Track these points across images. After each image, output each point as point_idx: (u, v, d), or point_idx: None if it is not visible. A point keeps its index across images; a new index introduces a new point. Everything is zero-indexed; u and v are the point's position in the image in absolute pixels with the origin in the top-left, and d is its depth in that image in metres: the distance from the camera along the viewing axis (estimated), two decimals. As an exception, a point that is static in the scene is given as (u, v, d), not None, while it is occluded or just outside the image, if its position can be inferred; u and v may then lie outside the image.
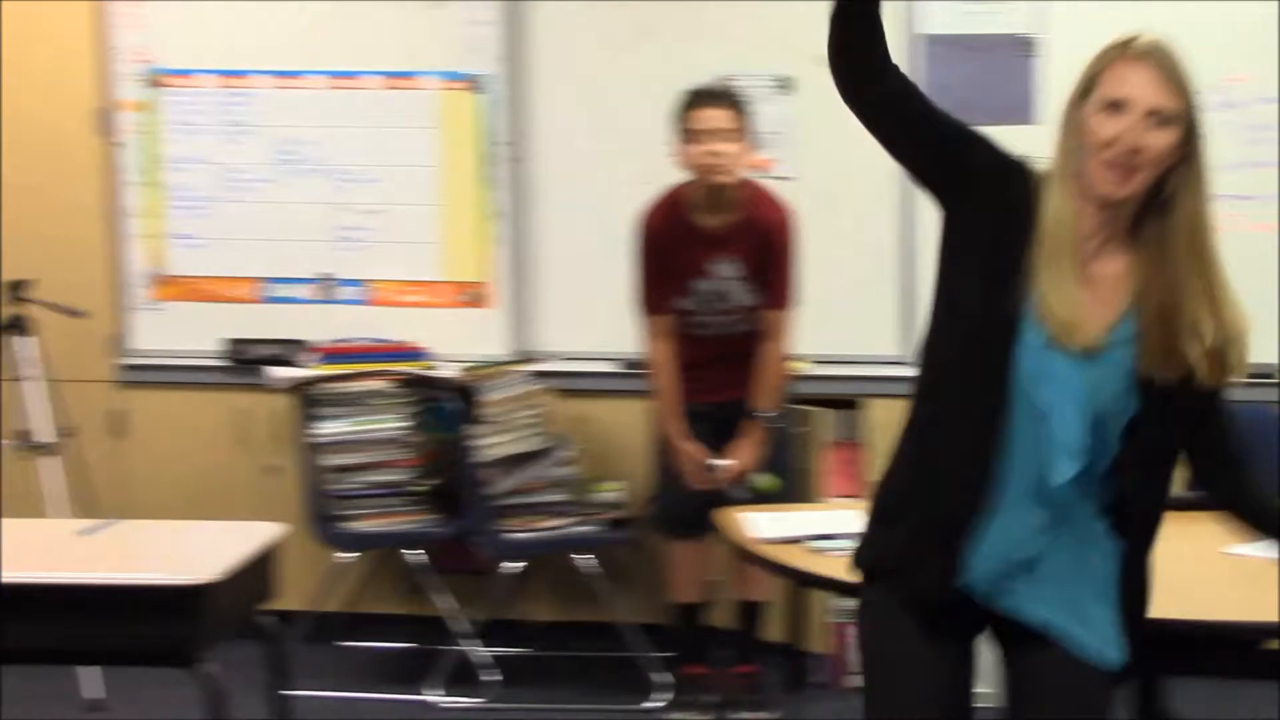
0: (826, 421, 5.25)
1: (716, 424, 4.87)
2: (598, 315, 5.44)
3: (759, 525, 3.65)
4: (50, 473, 4.97)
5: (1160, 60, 2.49)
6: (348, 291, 5.61)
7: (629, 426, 5.30)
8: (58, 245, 5.62)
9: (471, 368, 5.21)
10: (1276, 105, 5.06)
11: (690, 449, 4.79)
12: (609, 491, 5.21)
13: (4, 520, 4.00)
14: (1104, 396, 2.52)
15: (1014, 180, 2.55)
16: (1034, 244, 2.51)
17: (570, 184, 5.50)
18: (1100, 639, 2.59)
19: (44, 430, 4.99)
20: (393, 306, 5.58)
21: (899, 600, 2.64)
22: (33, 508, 4.99)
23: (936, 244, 2.62)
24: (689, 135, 4.63)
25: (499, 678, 5.14)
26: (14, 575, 3.48)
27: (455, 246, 5.54)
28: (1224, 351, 2.51)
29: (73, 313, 5.19)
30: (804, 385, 5.17)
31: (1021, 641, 2.63)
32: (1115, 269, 2.55)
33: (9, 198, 5.66)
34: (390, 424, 5.18)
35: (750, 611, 5.00)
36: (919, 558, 2.60)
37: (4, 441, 5.18)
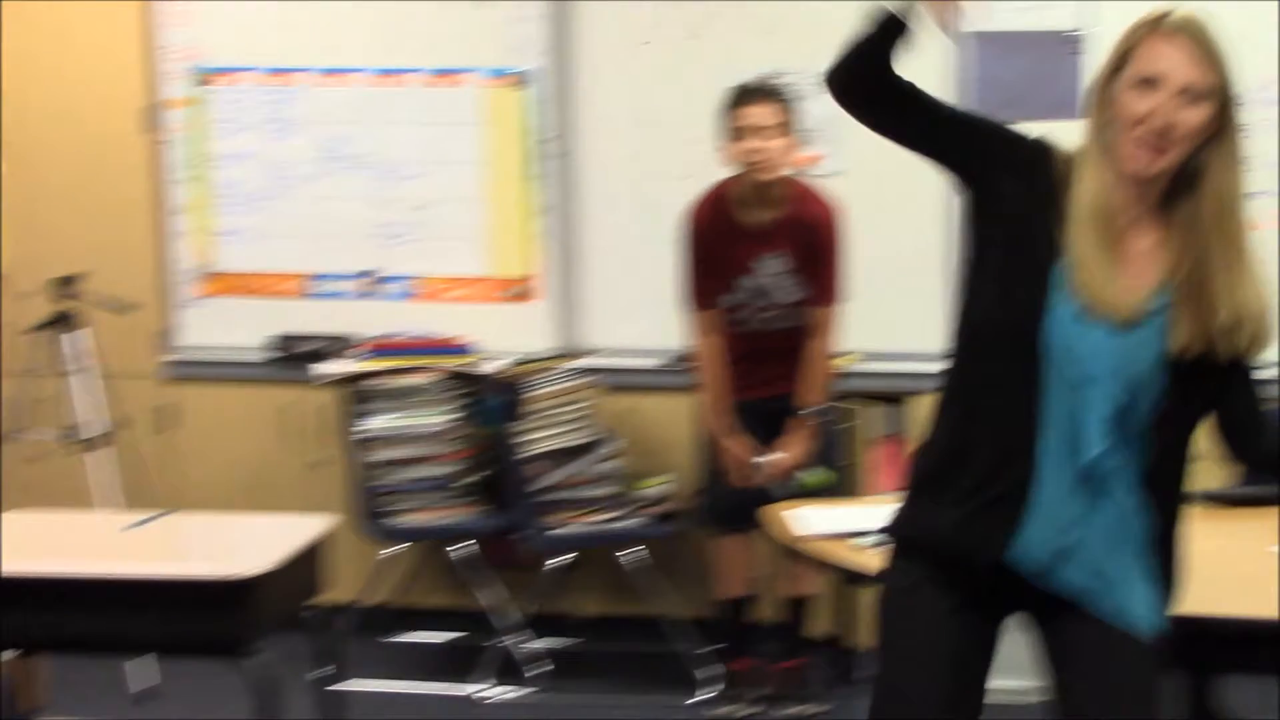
0: (873, 417, 5.24)
1: (762, 419, 4.87)
2: (643, 310, 5.44)
3: (806, 520, 3.64)
4: (100, 466, 5.00)
5: (1194, 35, 2.46)
6: (394, 287, 5.62)
7: (675, 421, 5.30)
8: (106, 241, 5.65)
9: (517, 362, 5.22)
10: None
11: (735, 445, 4.79)
12: (655, 486, 5.21)
13: (55, 514, 4.04)
14: (1137, 369, 2.50)
15: (1035, 158, 2.55)
16: (1063, 219, 2.50)
17: (616, 179, 5.51)
18: (1140, 607, 2.57)
19: (93, 424, 5.03)
20: (439, 301, 5.59)
21: (930, 575, 2.63)
22: (83, 501, 5.03)
23: (961, 221, 2.62)
24: (735, 131, 4.63)
25: (545, 671, 5.15)
26: (66, 567, 3.52)
27: (501, 241, 5.55)
28: (1247, 325, 2.49)
29: (122, 308, 5.23)
30: (851, 380, 5.16)
31: (1060, 615, 2.61)
32: (1148, 243, 2.53)
33: (59, 195, 5.70)
34: (436, 418, 5.19)
35: (797, 606, 5.00)
36: (967, 536, 2.58)
37: (53, 435, 5.23)
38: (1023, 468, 2.54)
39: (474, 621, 5.44)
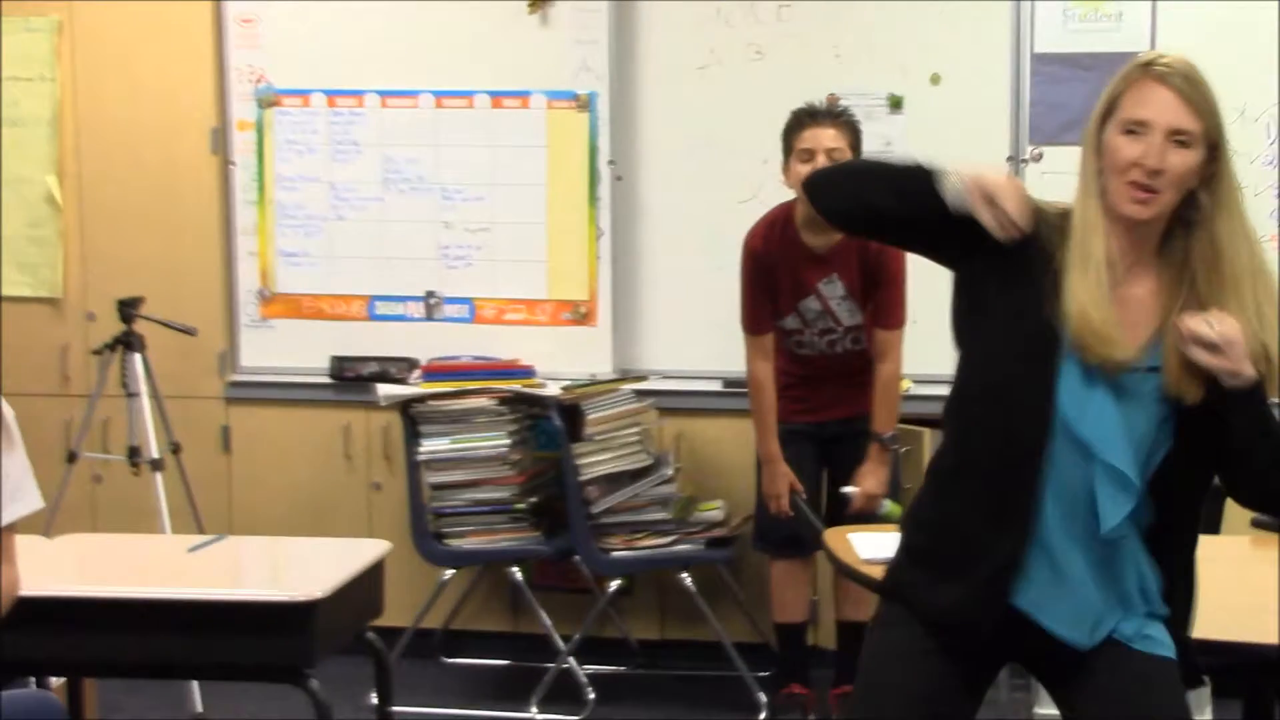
0: (930, 442, 5.21)
1: (819, 444, 4.86)
2: (702, 333, 5.42)
3: (861, 545, 3.63)
4: (160, 488, 5.03)
5: (1182, 81, 2.48)
6: (454, 309, 5.63)
7: (733, 445, 5.29)
8: (171, 263, 5.69)
9: (574, 385, 5.21)
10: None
11: (781, 471, 4.77)
12: (712, 510, 5.19)
13: (116, 535, 4.06)
14: (1142, 428, 2.50)
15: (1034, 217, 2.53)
16: (1059, 268, 2.49)
17: (676, 202, 5.50)
18: (1155, 637, 2.58)
19: (154, 446, 5.06)
20: (499, 324, 5.60)
21: (922, 622, 2.63)
22: (145, 521, 5.06)
23: (952, 296, 2.65)
24: (797, 154, 4.61)
25: (598, 696, 5.14)
26: (124, 590, 3.53)
27: (562, 264, 5.55)
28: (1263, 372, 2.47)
29: (183, 330, 5.26)
30: (906, 405, 5.12)
31: (1069, 667, 2.60)
32: (1144, 291, 2.53)
33: (124, 216, 5.74)
34: (493, 441, 5.19)
35: (852, 631, 4.96)
36: (964, 610, 2.58)
37: (116, 457, 5.27)
38: (1020, 538, 2.53)
39: (529, 645, 5.44)
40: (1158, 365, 2.50)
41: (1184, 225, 2.52)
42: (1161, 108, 2.47)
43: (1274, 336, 2.47)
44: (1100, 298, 2.46)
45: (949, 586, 2.60)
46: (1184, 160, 2.46)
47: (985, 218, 2.48)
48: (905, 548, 2.73)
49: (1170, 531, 2.59)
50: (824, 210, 2.72)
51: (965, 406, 2.63)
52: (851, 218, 2.72)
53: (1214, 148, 2.49)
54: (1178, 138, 2.46)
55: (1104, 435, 2.48)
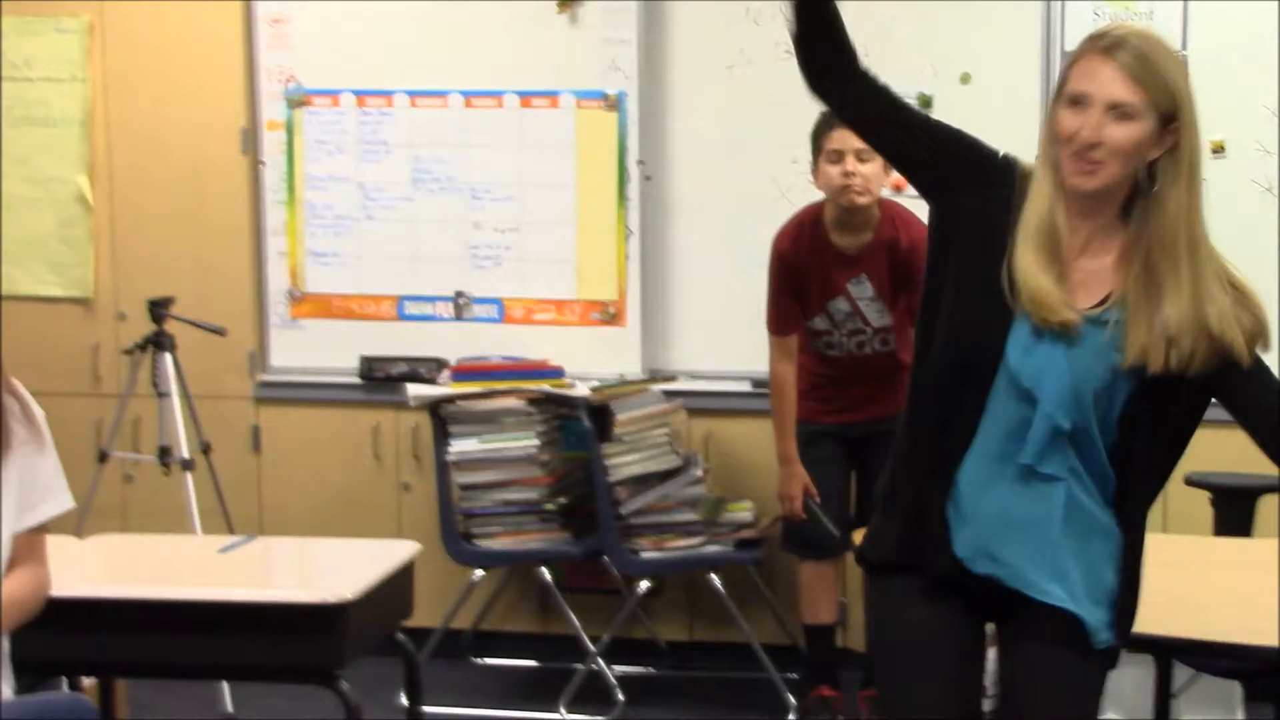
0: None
1: (846, 444, 4.86)
2: (732, 333, 5.41)
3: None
4: (190, 488, 5.04)
5: (1127, 53, 2.50)
6: (482, 309, 5.64)
7: (760, 445, 5.27)
8: (201, 263, 5.71)
9: (603, 386, 5.21)
10: None
11: (796, 472, 4.77)
12: (741, 511, 5.18)
13: (147, 536, 4.08)
14: (1090, 382, 2.54)
15: (996, 175, 2.61)
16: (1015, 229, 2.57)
17: (706, 202, 5.49)
18: (1094, 620, 2.61)
19: (184, 446, 5.07)
20: (528, 324, 5.60)
21: (904, 588, 2.69)
22: (175, 521, 5.07)
23: (928, 234, 2.71)
24: (826, 155, 4.60)
25: (627, 697, 5.13)
26: (154, 591, 3.55)
27: (591, 264, 5.55)
28: (1198, 339, 2.50)
29: (213, 330, 5.27)
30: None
31: (1019, 626, 2.67)
32: (1106, 261, 2.58)
33: (154, 216, 5.76)
34: (523, 442, 5.18)
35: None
36: (910, 550, 2.67)
37: (146, 457, 5.28)
38: (948, 475, 2.61)
39: (558, 646, 5.44)
40: (1106, 320, 2.54)
41: (1144, 197, 2.55)
42: (1102, 81, 2.50)
43: (1219, 310, 2.50)
44: (1037, 263, 2.52)
45: (894, 527, 2.70)
46: (1126, 133, 2.49)
47: None
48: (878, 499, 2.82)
49: (1127, 504, 2.64)
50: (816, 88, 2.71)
51: (925, 354, 2.68)
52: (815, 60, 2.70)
53: (1170, 119, 2.50)
54: (1118, 110, 2.49)
55: (1044, 383, 2.54)
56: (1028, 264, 2.52)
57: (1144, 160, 2.52)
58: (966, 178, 2.62)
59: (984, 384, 2.58)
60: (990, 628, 2.77)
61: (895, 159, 2.73)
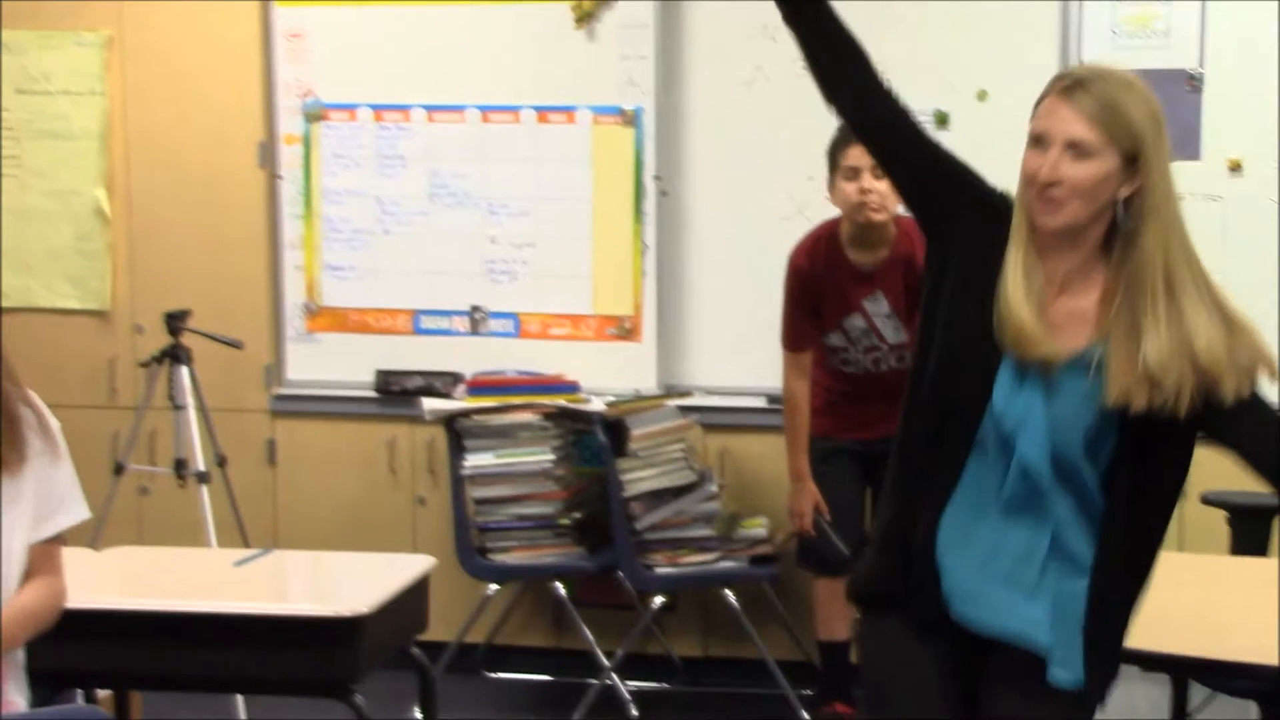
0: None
1: (862, 461, 4.85)
2: (747, 349, 5.41)
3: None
4: (206, 501, 5.05)
5: (1085, 93, 2.50)
6: (498, 324, 5.64)
7: (775, 461, 5.26)
8: (218, 276, 5.72)
9: (618, 401, 5.21)
10: None
11: (808, 489, 4.77)
12: (755, 527, 5.18)
13: (163, 548, 4.08)
14: (1067, 421, 2.53)
15: (994, 211, 2.60)
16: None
17: (721, 217, 5.50)
18: (1069, 667, 2.59)
19: (200, 458, 5.08)
20: (544, 339, 5.60)
21: (896, 627, 2.69)
22: (190, 534, 5.08)
23: (923, 266, 2.70)
24: (843, 171, 4.60)
25: (641, 712, 5.12)
26: (172, 604, 3.55)
27: (607, 279, 5.56)
28: (1178, 379, 2.47)
29: (229, 343, 5.28)
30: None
31: (995, 669, 2.66)
32: (1089, 300, 2.57)
33: (172, 229, 5.78)
34: (538, 456, 5.18)
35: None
36: (902, 584, 2.66)
37: (162, 469, 5.29)
38: (935, 517, 2.60)
39: (572, 661, 5.43)
40: (1088, 362, 2.53)
41: (1122, 236, 2.55)
42: (1057, 120, 2.51)
43: (1207, 343, 2.47)
44: (1017, 299, 2.52)
45: (891, 574, 2.68)
46: (1084, 171, 2.49)
47: None
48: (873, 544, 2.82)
49: (1113, 549, 2.60)
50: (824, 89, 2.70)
51: (916, 390, 2.68)
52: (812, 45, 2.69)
53: (1134, 158, 2.50)
54: (1076, 149, 2.49)
55: (1022, 429, 2.54)
56: (1009, 300, 2.53)
57: (1115, 199, 2.52)
58: (966, 209, 2.62)
59: (970, 426, 2.58)
60: None
61: (900, 178, 2.72)
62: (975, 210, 2.62)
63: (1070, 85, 2.52)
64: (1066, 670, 2.60)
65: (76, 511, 2.97)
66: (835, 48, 2.64)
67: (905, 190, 2.72)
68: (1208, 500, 4.52)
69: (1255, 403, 2.52)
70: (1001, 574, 2.59)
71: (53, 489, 2.91)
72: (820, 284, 4.72)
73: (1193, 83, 5.09)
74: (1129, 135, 2.49)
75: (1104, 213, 2.53)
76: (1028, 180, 2.53)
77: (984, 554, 2.59)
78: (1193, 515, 4.46)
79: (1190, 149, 5.06)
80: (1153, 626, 3.07)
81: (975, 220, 2.61)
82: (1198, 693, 4.05)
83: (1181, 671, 3.50)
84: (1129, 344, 2.49)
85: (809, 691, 5.08)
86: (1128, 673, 2.75)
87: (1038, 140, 2.53)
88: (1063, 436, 2.54)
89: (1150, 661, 2.88)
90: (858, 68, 2.65)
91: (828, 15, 2.63)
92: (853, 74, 2.65)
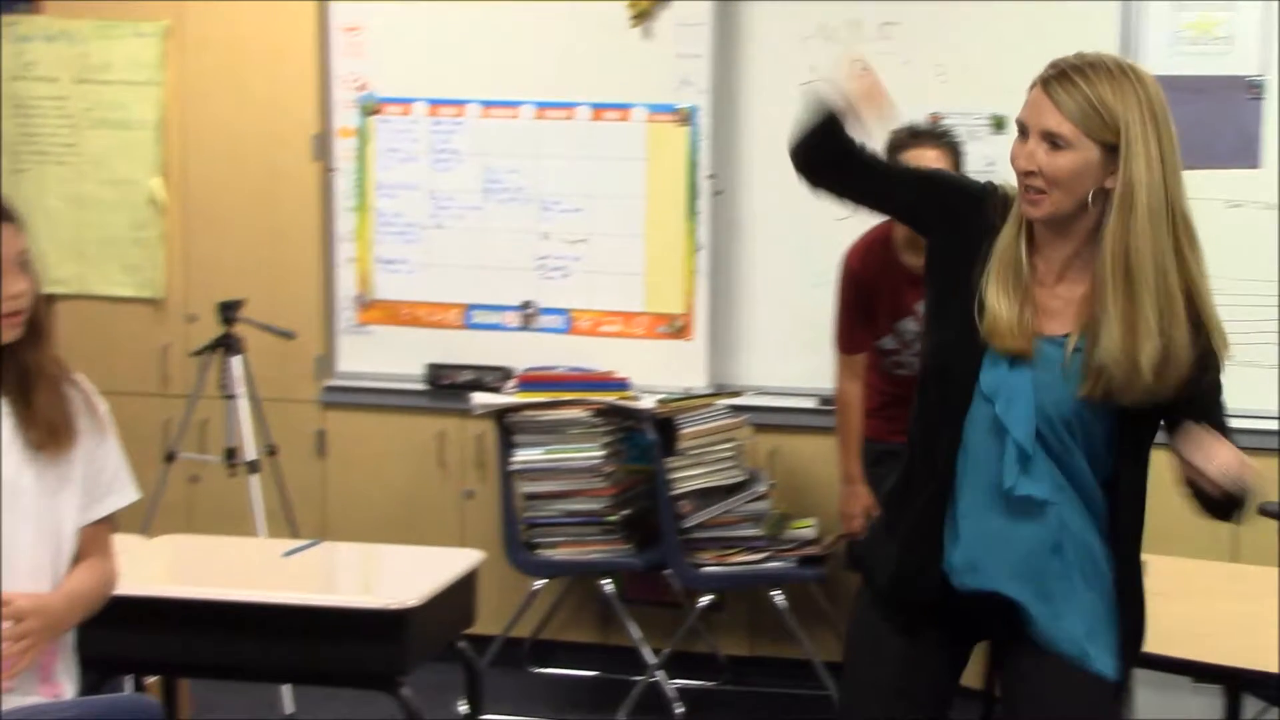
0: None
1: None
2: (796, 350, 5.40)
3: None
4: (256, 490, 5.07)
5: (1062, 85, 2.53)
6: (551, 319, 5.65)
7: (825, 462, 5.25)
8: (271, 267, 5.75)
9: (669, 399, 5.20)
10: None
11: (859, 492, 4.75)
12: (803, 528, 5.16)
13: (213, 537, 4.10)
14: (1050, 399, 2.55)
15: (974, 205, 2.66)
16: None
17: (775, 217, 5.49)
18: (1097, 649, 2.61)
19: (251, 448, 5.10)
20: (595, 335, 5.60)
21: (875, 618, 2.76)
22: (240, 523, 5.10)
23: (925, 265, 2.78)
24: (898, 174, 4.58)
25: (686, 710, 5.12)
26: (222, 593, 3.57)
27: (659, 277, 5.55)
28: (1141, 373, 2.48)
29: (282, 334, 5.30)
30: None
31: (1017, 648, 2.68)
32: (1079, 292, 2.59)
33: (226, 220, 5.81)
34: (587, 453, 5.18)
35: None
36: (903, 567, 2.70)
37: (212, 458, 5.32)
38: (942, 498, 2.65)
39: (618, 657, 5.43)
40: (1063, 345, 2.56)
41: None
42: (1033, 110, 2.56)
43: (1154, 347, 2.47)
44: (997, 290, 2.56)
45: (891, 545, 2.74)
46: (1061, 161, 2.51)
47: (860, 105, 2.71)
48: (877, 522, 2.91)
49: (1121, 532, 2.64)
50: (809, 180, 2.87)
51: (921, 378, 2.75)
52: (817, 172, 2.87)
53: (1110, 154, 2.51)
54: (1051, 139, 2.52)
55: (1010, 407, 2.57)
56: (989, 290, 2.57)
57: (1103, 189, 2.52)
58: (945, 217, 2.68)
59: (962, 411, 2.62)
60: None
61: (889, 213, 2.92)
62: (948, 215, 2.68)
63: (1049, 76, 2.56)
64: (1106, 657, 2.62)
65: (126, 493, 2.97)
66: (841, 160, 2.79)
67: (898, 218, 2.90)
68: (1265, 511, 4.47)
69: (1207, 405, 2.54)
70: (1012, 553, 2.61)
71: (101, 471, 2.91)
72: (873, 287, 4.69)
73: (1254, 90, 5.04)
74: (1107, 127, 2.51)
75: (1093, 203, 2.55)
76: (1013, 169, 2.58)
77: (993, 535, 2.62)
78: (1247, 527, 4.42)
79: (1249, 157, 5.01)
80: (1206, 638, 3.06)
81: (950, 224, 2.67)
82: (1252, 705, 4.01)
83: (1235, 683, 3.47)
84: (1092, 335, 2.53)
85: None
86: (1180, 684, 2.73)
87: (1021, 130, 2.57)
88: (1047, 414, 2.56)
89: (1203, 673, 2.86)
90: (860, 179, 2.80)
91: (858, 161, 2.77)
92: (855, 185, 2.82)
